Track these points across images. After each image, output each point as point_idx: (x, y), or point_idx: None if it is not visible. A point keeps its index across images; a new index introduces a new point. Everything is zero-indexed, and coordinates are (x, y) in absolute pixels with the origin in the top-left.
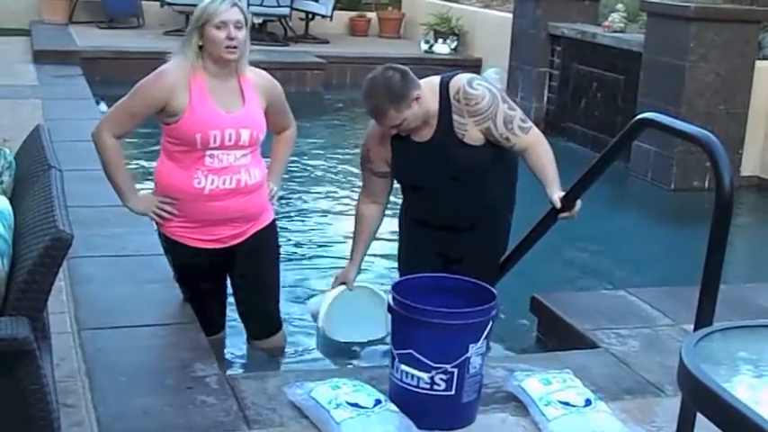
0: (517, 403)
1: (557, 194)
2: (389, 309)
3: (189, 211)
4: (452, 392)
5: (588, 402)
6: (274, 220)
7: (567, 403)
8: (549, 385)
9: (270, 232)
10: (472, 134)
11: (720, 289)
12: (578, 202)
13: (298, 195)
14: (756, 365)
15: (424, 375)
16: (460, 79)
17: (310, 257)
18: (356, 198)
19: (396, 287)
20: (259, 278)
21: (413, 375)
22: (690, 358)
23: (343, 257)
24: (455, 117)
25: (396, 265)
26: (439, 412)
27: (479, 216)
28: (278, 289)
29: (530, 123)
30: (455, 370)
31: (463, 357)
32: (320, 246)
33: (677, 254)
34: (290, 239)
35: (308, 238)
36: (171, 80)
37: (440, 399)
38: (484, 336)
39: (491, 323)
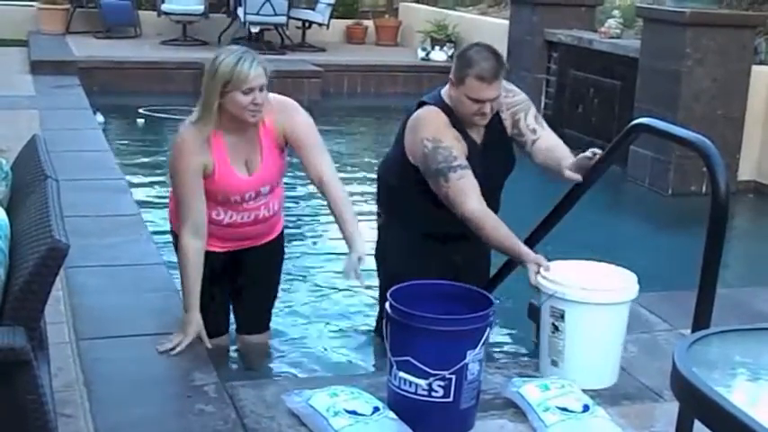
0: (515, 409)
1: (566, 169)
2: (387, 316)
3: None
4: (450, 399)
5: (586, 408)
6: (283, 228)
7: (565, 409)
8: (548, 391)
9: (280, 237)
10: (509, 130)
11: (718, 293)
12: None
13: (300, 209)
14: (751, 368)
15: (422, 382)
16: None
17: (314, 269)
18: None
19: (393, 294)
20: (265, 280)
21: (411, 382)
22: (682, 361)
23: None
24: (500, 113)
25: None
26: (437, 419)
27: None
28: (277, 289)
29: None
30: (453, 376)
31: (461, 364)
32: (326, 257)
33: (675, 259)
34: (294, 253)
35: (312, 249)
36: (195, 146)
37: (438, 405)
38: (481, 342)
39: (489, 329)
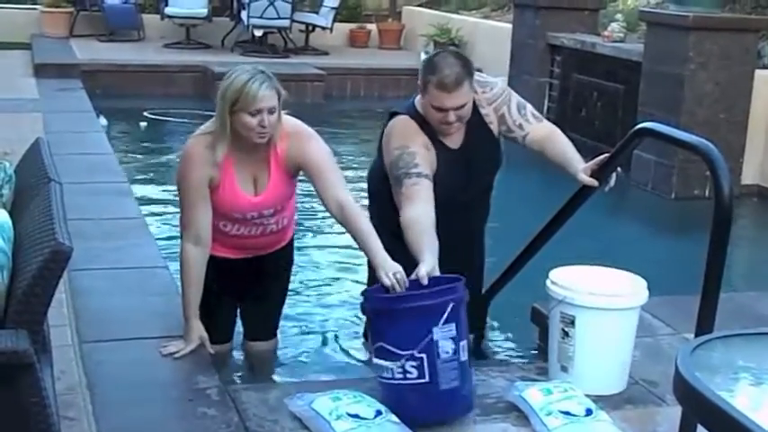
0: (518, 413)
1: (581, 172)
2: (363, 312)
3: (215, 238)
4: (426, 380)
5: (589, 412)
6: (294, 235)
7: (568, 413)
8: (550, 395)
9: (290, 245)
10: (495, 126)
11: (721, 297)
12: (614, 175)
13: (300, 214)
14: (754, 373)
15: (395, 365)
16: None
17: (316, 270)
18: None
19: (368, 292)
20: (274, 288)
21: (386, 368)
22: (685, 366)
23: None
24: (480, 110)
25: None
26: (416, 400)
27: (482, 225)
28: (285, 297)
29: (542, 117)
30: (423, 355)
31: (427, 340)
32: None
33: (678, 263)
34: (297, 257)
35: (314, 251)
36: (204, 158)
37: (414, 387)
38: (444, 317)
39: (451, 305)
